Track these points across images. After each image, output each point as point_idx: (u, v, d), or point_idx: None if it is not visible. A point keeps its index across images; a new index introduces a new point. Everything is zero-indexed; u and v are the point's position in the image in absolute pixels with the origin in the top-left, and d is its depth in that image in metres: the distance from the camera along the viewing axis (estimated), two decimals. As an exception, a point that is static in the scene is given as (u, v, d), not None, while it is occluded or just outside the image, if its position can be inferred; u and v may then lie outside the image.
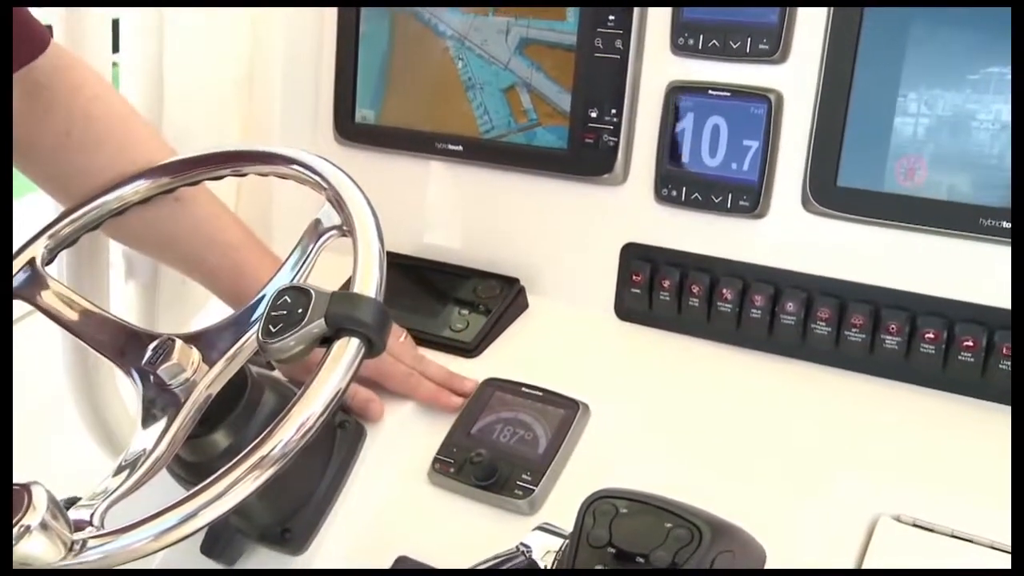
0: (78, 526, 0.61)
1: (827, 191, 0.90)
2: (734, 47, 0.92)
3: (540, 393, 0.91)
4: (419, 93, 1.11)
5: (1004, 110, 0.82)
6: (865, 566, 0.74)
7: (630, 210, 1.00)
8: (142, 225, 0.88)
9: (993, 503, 0.73)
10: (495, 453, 0.86)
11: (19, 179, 0.87)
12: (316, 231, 0.75)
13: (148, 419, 0.71)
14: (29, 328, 1.04)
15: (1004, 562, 0.72)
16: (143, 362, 0.72)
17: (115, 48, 1.01)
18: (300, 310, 0.65)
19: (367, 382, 0.91)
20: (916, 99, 0.85)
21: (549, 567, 0.67)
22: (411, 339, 0.96)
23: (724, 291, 0.94)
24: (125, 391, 1.10)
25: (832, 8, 0.88)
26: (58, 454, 1.10)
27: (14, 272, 0.80)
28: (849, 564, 0.75)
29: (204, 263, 0.90)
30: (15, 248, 0.82)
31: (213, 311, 1.20)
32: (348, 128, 1.15)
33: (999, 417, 0.83)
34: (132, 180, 0.84)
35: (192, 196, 0.88)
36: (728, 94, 0.93)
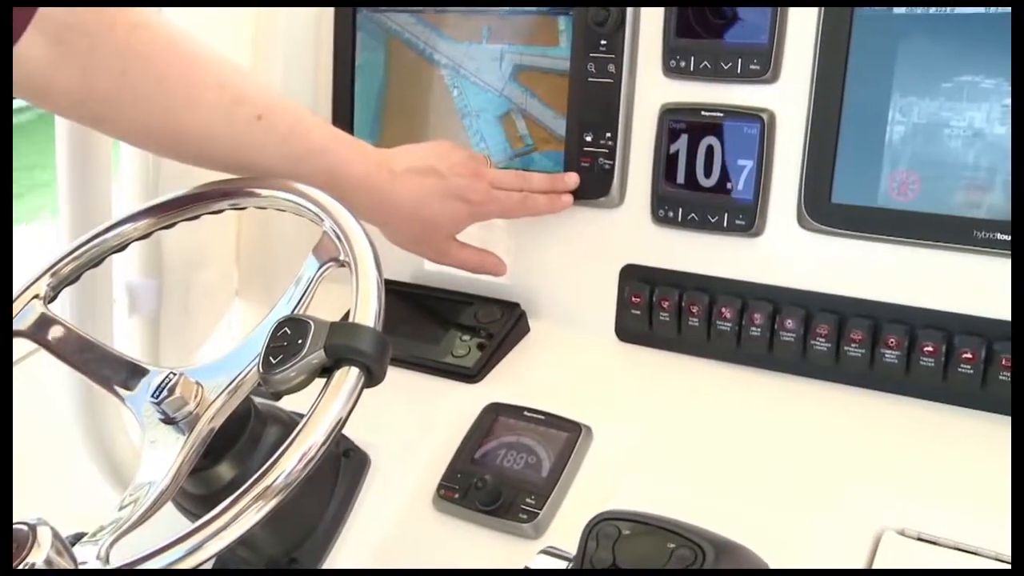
0: (83, 562, 0.62)
1: (822, 208, 0.90)
2: (725, 68, 0.93)
3: (543, 417, 0.91)
4: (416, 122, 1.12)
5: (992, 121, 0.82)
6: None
7: (628, 232, 1.01)
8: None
9: (997, 514, 0.73)
10: (499, 478, 0.86)
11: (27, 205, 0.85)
12: (315, 262, 0.75)
13: (152, 453, 0.72)
14: (36, 364, 1.05)
15: (1010, 574, 0.72)
16: (147, 396, 0.73)
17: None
18: (299, 341, 0.66)
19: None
20: (907, 114, 0.86)
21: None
22: (488, 160, 1.03)
23: (723, 310, 0.95)
24: (131, 425, 1.10)
25: (821, 26, 0.89)
26: (64, 489, 1.10)
27: (18, 311, 0.80)
28: (855, 580, 0.75)
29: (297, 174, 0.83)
30: (19, 287, 0.82)
31: (217, 345, 1.21)
32: (346, 158, 1.15)
33: (1000, 428, 0.84)
34: (132, 219, 0.84)
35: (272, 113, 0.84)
36: (721, 115, 0.94)
